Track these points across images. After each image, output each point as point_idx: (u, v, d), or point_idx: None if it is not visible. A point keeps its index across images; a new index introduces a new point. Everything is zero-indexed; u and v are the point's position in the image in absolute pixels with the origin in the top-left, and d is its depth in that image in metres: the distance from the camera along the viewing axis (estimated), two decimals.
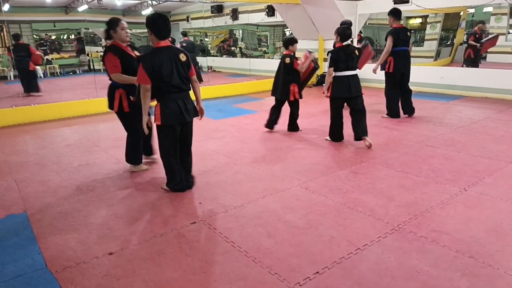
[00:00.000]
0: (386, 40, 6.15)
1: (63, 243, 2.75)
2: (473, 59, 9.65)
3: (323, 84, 5.30)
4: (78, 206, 3.36)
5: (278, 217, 3.03)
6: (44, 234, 2.89)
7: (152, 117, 3.42)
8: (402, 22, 11.91)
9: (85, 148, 5.16)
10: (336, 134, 5.08)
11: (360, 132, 4.83)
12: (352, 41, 5.93)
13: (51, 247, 2.70)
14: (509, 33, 13.15)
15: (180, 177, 3.54)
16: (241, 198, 3.43)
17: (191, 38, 16.14)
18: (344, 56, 4.76)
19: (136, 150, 4.14)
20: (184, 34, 11.90)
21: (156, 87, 3.22)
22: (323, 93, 5.01)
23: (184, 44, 11.09)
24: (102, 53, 15.61)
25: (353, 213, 3.08)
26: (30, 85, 9.47)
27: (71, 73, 14.78)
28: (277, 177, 3.90)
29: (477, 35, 9.65)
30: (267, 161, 4.42)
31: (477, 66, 9.53)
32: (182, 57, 3.28)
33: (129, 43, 3.94)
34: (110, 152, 4.94)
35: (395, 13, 6.16)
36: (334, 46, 4.95)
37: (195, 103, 3.49)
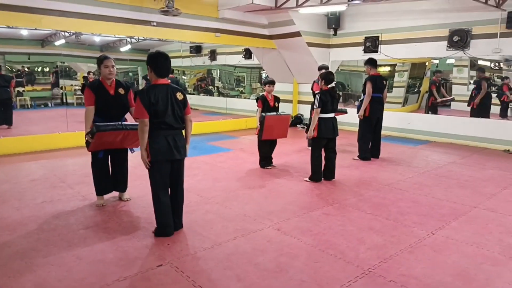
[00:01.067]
0: (364, 85, 6.51)
1: (17, 286, 2.57)
2: (435, 106, 10.33)
3: (300, 125, 5.50)
4: (38, 246, 3.17)
5: (248, 260, 2.97)
6: None
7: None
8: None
9: (50, 184, 4.95)
10: (317, 174, 5.18)
11: (331, 174, 5.26)
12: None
13: None
14: (470, 83, 14.05)
15: (169, 220, 3.37)
16: (211, 239, 3.35)
17: None
18: (330, 98, 5.03)
19: (94, 180, 4.16)
20: (171, 71, 12.02)
21: (150, 123, 3.19)
22: (307, 137, 5.21)
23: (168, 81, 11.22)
24: (76, 87, 15.50)
25: (324, 256, 3.06)
26: (6, 116, 9.26)
27: (42, 105, 14.46)
28: (249, 218, 3.86)
29: (437, 84, 10.37)
30: (240, 201, 4.38)
31: (436, 113, 10.22)
32: (179, 96, 3.30)
33: (119, 80, 4.09)
34: (76, 188, 4.77)
35: (371, 63, 6.59)
36: (312, 88, 5.17)
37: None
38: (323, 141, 5.13)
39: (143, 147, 3.24)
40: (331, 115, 5.10)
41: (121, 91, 4.00)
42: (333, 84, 5.07)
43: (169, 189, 3.46)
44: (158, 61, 3.24)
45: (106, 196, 4.27)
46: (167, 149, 3.24)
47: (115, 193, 4.37)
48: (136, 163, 5.81)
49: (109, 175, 4.20)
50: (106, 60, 3.92)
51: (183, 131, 3.47)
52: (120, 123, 3.84)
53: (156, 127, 3.21)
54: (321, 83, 5.15)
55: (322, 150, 5.18)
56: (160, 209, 3.36)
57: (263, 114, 5.48)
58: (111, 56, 4.01)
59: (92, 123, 3.78)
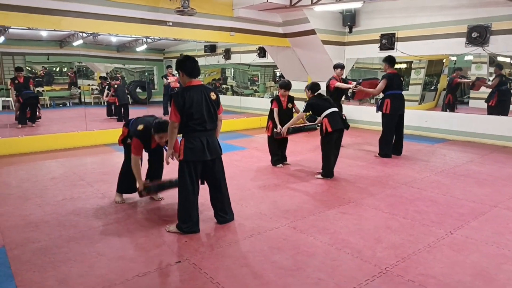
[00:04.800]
0: (379, 81, 6.52)
1: (41, 281, 2.65)
2: (452, 104, 10.12)
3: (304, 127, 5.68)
4: (59, 242, 3.26)
5: (265, 258, 2.99)
6: (22, 271, 2.78)
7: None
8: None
9: (70, 182, 5.07)
10: (329, 170, 5.23)
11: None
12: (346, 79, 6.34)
13: (27, 285, 2.59)
14: (489, 80, 13.73)
15: (196, 219, 3.46)
16: (228, 237, 3.38)
17: None
18: (320, 102, 5.28)
19: (121, 177, 4.27)
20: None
21: (184, 124, 3.29)
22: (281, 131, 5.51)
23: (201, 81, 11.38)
24: (93, 87, 15.74)
25: (341, 254, 3.05)
26: (31, 116, 9.65)
27: (61, 105, 14.78)
28: (265, 216, 3.88)
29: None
30: (255, 199, 4.40)
31: (453, 111, 9.99)
32: (213, 96, 3.39)
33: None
34: (95, 186, 4.87)
35: (389, 61, 6.51)
36: (328, 84, 5.36)
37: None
38: (334, 134, 5.17)
39: (171, 146, 3.47)
40: (334, 109, 5.20)
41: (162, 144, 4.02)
42: (319, 92, 5.38)
43: (210, 187, 3.61)
44: (187, 64, 3.32)
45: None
46: (200, 150, 3.32)
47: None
48: None
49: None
50: (161, 133, 3.78)
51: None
52: (169, 180, 4.03)
53: (192, 129, 3.30)
54: (308, 92, 5.43)
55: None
56: (188, 216, 3.41)
57: (290, 128, 5.55)
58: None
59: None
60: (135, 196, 4.40)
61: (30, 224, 3.66)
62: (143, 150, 4.07)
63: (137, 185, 3.98)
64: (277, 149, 5.97)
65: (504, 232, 3.51)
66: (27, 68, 14.81)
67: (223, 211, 3.68)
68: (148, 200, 4.35)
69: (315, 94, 5.38)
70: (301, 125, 5.81)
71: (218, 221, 3.68)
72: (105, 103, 12.43)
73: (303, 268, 2.82)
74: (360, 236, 3.40)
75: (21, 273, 2.75)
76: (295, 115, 5.72)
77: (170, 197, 4.35)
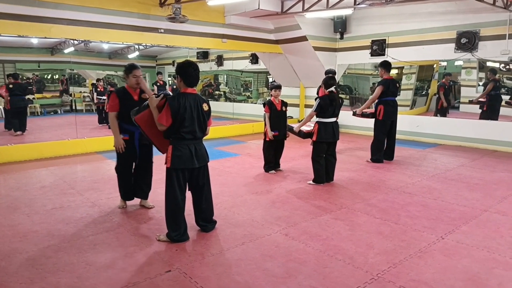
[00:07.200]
0: (375, 88, 6.50)
1: None
2: (444, 109, 10.17)
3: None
4: (48, 253, 3.20)
5: (257, 265, 2.96)
6: (8, 283, 2.72)
7: None
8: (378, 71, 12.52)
9: (60, 191, 5.01)
10: (320, 176, 5.22)
11: (330, 177, 5.34)
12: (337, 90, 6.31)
13: None
14: (478, 85, 13.90)
15: (184, 227, 3.43)
16: (219, 244, 3.35)
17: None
18: (329, 103, 5.07)
19: (119, 184, 4.24)
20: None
21: (174, 131, 3.24)
22: (294, 129, 5.56)
23: (174, 87, 11.37)
24: (85, 94, 15.65)
25: (333, 261, 3.04)
26: (21, 124, 9.53)
27: (52, 112, 14.66)
28: (257, 223, 3.86)
29: (446, 86, 10.23)
30: (247, 206, 4.38)
31: (445, 116, 10.05)
32: (205, 107, 3.37)
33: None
34: (85, 195, 4.81)
35: (385, 65, 6.52)
36: (317, 93, 5.26)
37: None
38: (323, 145, 5.18)
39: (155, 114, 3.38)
40: (332, 119, 5.14)
41: (145, 96, 4.00)
42: (332, 89, 5.12)
43: (193, 195, 3.55)
44: (188, 71, 3.28)
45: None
46: (188, 158, 3.29)
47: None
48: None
49: (131, 182, 4.23)
50: (135, 70, 3.91)
51: None
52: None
53: (181, 137, 3.26)
54: (322, 88, 5.21)
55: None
56: (176, 225, 3.38)
57: (302, 129, 5.53)
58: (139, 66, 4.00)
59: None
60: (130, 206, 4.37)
61: (18, 234, 3.60)
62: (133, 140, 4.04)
63: (114, 143, 3.95)
64: (272, 157, 5.94)
65: (495, 236, 3.53)
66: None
67: (205, 220, 3.64)
68: (138, 208, 4.31)
69: (328, 91, 5.09)
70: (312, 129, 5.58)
71: (200, 229, 3.65)
72: (95, 111, 12.44)
73: (295, 276, 2.81)
74: (352, 242, 3.40)
75: (8, 285, 2.69)
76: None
77: (161, 206, 4.30)
